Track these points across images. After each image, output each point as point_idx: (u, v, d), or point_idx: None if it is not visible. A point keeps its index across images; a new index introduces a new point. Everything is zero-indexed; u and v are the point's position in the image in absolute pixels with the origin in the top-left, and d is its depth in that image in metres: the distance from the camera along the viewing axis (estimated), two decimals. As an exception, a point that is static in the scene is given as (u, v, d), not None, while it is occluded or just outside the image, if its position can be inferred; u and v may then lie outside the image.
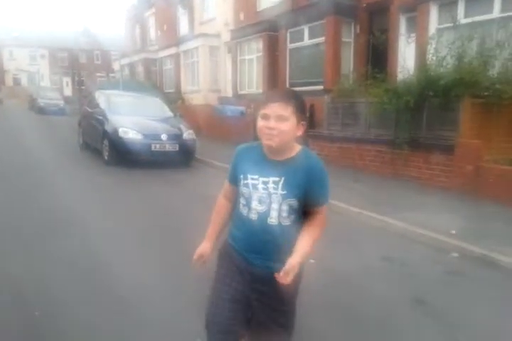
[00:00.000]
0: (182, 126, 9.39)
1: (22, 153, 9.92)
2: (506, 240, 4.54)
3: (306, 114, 1.75)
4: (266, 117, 1.64)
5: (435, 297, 3.42)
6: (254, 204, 1.71)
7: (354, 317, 3.00)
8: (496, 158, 6.42)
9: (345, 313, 3.04)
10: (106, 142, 8.78)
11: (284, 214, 1.69)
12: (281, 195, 1.67)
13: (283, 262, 1.60)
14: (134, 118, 9.03)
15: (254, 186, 1.70)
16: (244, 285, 1.78)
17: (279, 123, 1.62)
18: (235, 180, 1.81)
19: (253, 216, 1.72)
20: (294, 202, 1.68)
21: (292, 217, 1.70)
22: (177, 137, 8.90)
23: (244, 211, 1.75)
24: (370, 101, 8.17)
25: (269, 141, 1.64)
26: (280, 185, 1.67)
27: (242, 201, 1.75)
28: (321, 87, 11.02)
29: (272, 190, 1.68)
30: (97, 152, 9.44)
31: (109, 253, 3.97)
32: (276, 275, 1.58)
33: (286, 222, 1.70)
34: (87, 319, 2.78)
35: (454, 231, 4.73)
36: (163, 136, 8.66)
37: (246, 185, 1.72)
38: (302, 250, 1.65)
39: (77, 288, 3.21)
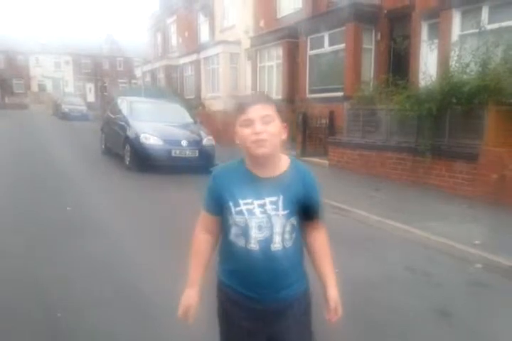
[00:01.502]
0: (202, 132, 9.47)
1: (46, 157, 10.15)
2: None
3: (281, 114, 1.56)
4: (249, 123, 1.43)
5: (458, 308, 3.34)
6: (254, 232, 1.47)
7: (376, 328, 2.96)
8: (521, 167, 6.26)
9: (366, 324, 3.00)
10: (127, 147, 8.92)
11: (287, 235, 1.50)
12: (283, 215, 1.47)
13: (290, 287, 1.53)
14: (155, 124, 9.15)
15: (250, 212, 1.47)
16: (260, 334, 1.58)
17: (266, 126, 1.42)
18: (217, 210, 1.54)
19: (253, 246, 1.48)
20: (294, 220, 1.52)
21: (293, 235, 1.53)
22: (197, 143, 8.97)
23: (239, 242, 1.50)
24: (391, 108, 8.09)
25: (260, 149, 1.42)
26: (280, 205, 1.47)
27: (235, 231, 1.50)
28: (340, 94, 10.98)
29: (271, 212, 1.47)
30: (118, 157, 9.58)
31: (128, 255, 4.01)
32: (327, 317, 1.55)
33: (289, 244, 1.51)
34: (108, 322, 2.81)
35: (477, 242, 4.63)
36: (184, 142, 8.75)
37: (240, 213, 1.47)
38: (333, 278, 1.58)
39: (99, 289, 3.26)
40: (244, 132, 1.44)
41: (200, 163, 8.89)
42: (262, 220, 1.47)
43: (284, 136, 1.50)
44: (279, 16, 15.09)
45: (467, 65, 7.14)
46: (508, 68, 6.74)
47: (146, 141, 8.59)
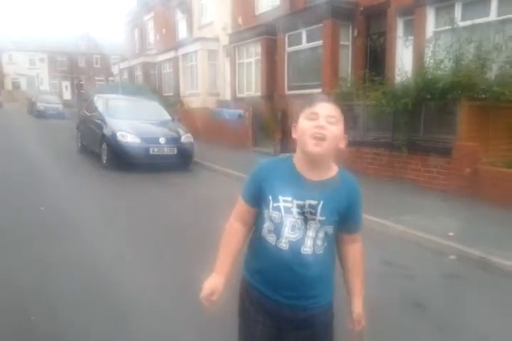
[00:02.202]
0: (180, 130, 9.40)
1: (20, 156, 9.92)
2: (504, 243, 4.53)
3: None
4: (314, 117, 1.41)
5: (433, 300, 3.40)
6: (287, 231, 1.45)
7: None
8: (493, 161, 6.42)
9: (342, 318, 3.02)
10: (104, 146, 8.78)
11: (319, 242, 1.47)
12: (319, 221, 1.44)
13: (314, 298, 1.51)
14: (132, 122, 9.04)
15: (288, 210, 1.44)
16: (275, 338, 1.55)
17: (330, 126, 1.41)
18: (256, 201, 1.51)
19: (283, 245, 1.45)
20: (330, 229, 1.48)
21: (326, 244, 1.49)
22: (175, 140, 8.90)
23: (270, 239, 1.48)
24: (368, 104, 8.18)
25: (316, 147, 1.40)
26: (319, 210, 1.43)
27: (269, 226, 1.48)
28: (319, 90, 11.03)
29: (309, 216, 1.44)
30: (95, 155, 9.43)
31: (107, 256, 3.96)
32: (350, 326, 1.58)
33: (320, 251, 1.48)
34: (84, 325, 2.76)
35: (451, 234, 4.72)
36: (162, 140, 8.67)
37: (277, 209, 1.45)
38: (360, 294, 1.60)
39: (74, 293, 3.20)
40: (307, 124, 1.42)
41: (179, 161, 8.86)
42: (297, 221, 1.45)
43: (343, 144, 1.48)
44: (257, 13, 15.07)
45: (441, 62, 7.26)
46: (480, 64, 6.90)
47: (123, 138, 8.48)
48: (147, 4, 23.84)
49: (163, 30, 22.22)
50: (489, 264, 4.07)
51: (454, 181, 6.71)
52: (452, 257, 4.33)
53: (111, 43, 41.06)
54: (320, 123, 1.40)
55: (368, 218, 5.42)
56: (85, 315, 2.86)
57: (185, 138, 9.16)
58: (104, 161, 8.78)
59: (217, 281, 1.53)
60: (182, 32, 20.55)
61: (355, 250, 1.59)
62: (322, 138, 1.40)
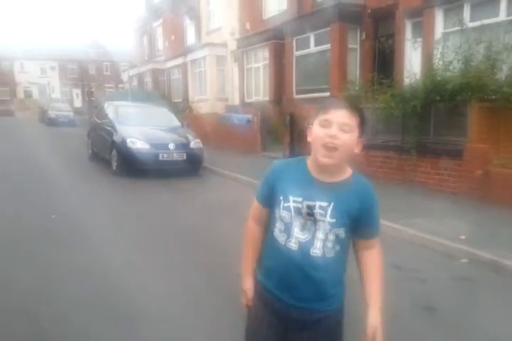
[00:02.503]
0: (189, 135, 9.45)
1: (32, 163, 10.05)
2: (517, 245, 4.47)
3: (365, 129, 1.51)
4: (327, 124, 1.39)
5: (445, 303, 3.36)
6: (296, 231, 1.45)
7: (359, 326, 2.96)
8: (504, 163, 6.33)
9: (352, 322, 3.00)
10: (114, 152, 8.86)
11: (330, 244, 1.46)
12: (329, 223, 1.44)
13: (324, 302, 1.50)
14: (142, 128, 9.12)
15: (298, 210, 1.45)
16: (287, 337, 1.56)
17: (343, 134, 1.38)
18: (269, 202, 1.54)
19: (293, 245, 1.46)
20: (341, 232, 1.46)
21: (337, 248, 1.47)
22: (184, 146, 8.95)
23: (281, 238, 1.49)
24: (377, 107, 8.14)
25: (326, 159, 1.40)
26: (329, 212, 1.43)
27: (280, 226, 1.49)
28: (327, 94, 11.03)
29: (318, 217, 1.44)
30: (105, 162, 9.52)
31: (117, 263, 3.98)
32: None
33: (331, 254, 1.47)
34: (93, 331, 2.78)
35: (463, 237, 4.67)
36: (171, 146, 8.72)
37: (287, 209, 1.46)
38: (377, 302, 1.56)
39: (85, 300, 3.23)
40: (320, 132, 1.41)
41: (188, 166, 8.90)
42: (307, 222, 1.45)
43: (357, 149, 1.45)
44: (264, 18, 15.14)
45: (450, 63, 7.21)
46: (490, 65, 6.83)
47: (133, 145, 8.55)
48: (156, 11, 24.09)
49: (172, 37, 22.41)
50: (501, 267, 4.01)
51: (464, 183, 6.63)
52: (464, 260, 4.28)
53: (120, 50, 41.49)
54: (332, 133, 1.38)
55: (378, 222, 5.40)
56: (95, 321, 2.87)
57: (195, 143, 9.21)
58: (114, 168, 8.85)
59: (249, 287, 1.62)
60: (190, 38, 20.71)
61: (370, 257, 1.56)
62: (333, 149, 1.39)
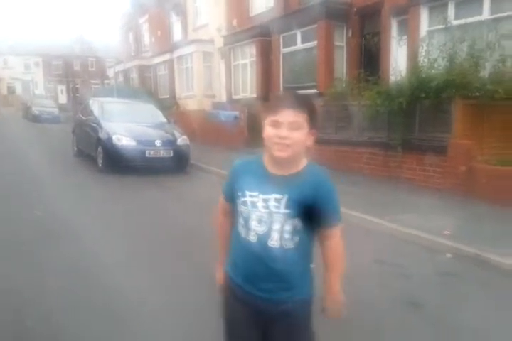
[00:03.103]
0: (176, 132, 9.40)
1: (16, 160, 9.91)
2: (499, 240, 4.55)
3: (317, 120, 1.56)
4: (276, 125, 1.45)
5: (429, 298, 3.41)
6: (254, 224, 1.52)
7: (345, 321, 2.98)
8: (488, 159, 6.44)
9: (338, 319, 3.02)
10: (100, 149, 8.76)
11: (287, 235, 1.50)
12: (283, 214, 1.48)
13: (288, 291, 1.54)
14: (128, 124, 9.03)
15: (254, 204, 1.51)
16: (258, 328, 1.60)
17: (292, 132, 1.44)
18: (231, 197, 1.62)
19: (252, 238, 1.52)
20: (297, 222, 1.50)
21: (296, 239, 1.51)
22: (171, 143, 8.90)
23: (243, 232, 1.56)
24: (363, 104, 8.20)
25: (280, 152, 1.46)
26: (283, 203, 1.48)
27: (241, 220, 1.56)
28: (314, 91, 11.05)
29: (273, 209, 1.49)
30: (91, 159, 9.42)
31: (105, 261, 3.95)
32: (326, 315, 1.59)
33: (290, 245, 1.51)
34: (80, 332, 2.76)
35: (447, 232, 4.74)
36: (157, 142, 8.66)
37: (244, 203, 1.53)
38: (331, 287, 1.60)
39: (71, 296, 3.20)
40: (270, 132, 1.47)
41: (175, 163, 8.85)
42: (263, 215, 1.50)
43: (310, 142, 1.51)
44: (251, 15, 15.09)
45: (435, 60, 7.29)
46: (474, 63, 6.93)
47: (119, 142, 8.47)
48: (141, 7, 23.82)
49: (158, 33, 22.22)
50: (485, 262, 4.08)
51: (449, 179, 6.73)
52: (448, 255, 4.34)
53: (106, 46, 40.99)
54: (282, 134, 1.44)
55: (364, 217, 5.46)
56: (83, 320, 2.85)
57: (182, 140, 9.16)
58: (100, 165, 8.76)
59: (220, 274, 1.72)
60: (177, 34, 20.56)
61: (330, 245, 1.58)
62: (286, 146, 1.46)
